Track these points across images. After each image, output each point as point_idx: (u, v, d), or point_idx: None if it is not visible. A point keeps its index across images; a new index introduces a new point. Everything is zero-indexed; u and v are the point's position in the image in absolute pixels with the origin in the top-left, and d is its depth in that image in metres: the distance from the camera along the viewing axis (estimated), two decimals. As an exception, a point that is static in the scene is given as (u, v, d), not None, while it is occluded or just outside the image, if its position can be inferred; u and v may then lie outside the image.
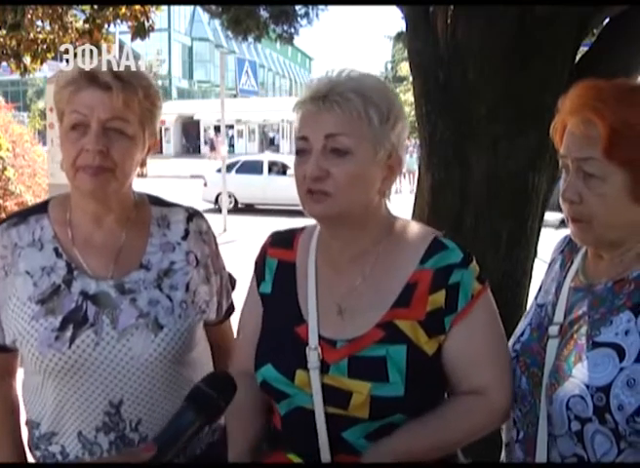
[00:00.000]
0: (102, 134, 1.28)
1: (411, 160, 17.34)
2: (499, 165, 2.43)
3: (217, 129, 31.77)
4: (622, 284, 1.19)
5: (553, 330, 1.25)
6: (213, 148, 32.61)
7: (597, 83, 1.21)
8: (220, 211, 12.88)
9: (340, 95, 1.16)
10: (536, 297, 1.40)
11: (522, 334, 1.34)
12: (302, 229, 1.39)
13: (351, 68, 1.24)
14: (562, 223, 1.40)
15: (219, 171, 15.64)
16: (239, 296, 1.61)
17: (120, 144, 1.31)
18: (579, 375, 1.15)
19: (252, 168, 15.83)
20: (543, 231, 2.66)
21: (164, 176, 21.07)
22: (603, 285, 1.22)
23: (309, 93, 1.21)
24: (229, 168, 15.50)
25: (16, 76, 8.90)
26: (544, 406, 1.20)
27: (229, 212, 14.20)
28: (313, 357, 1.22)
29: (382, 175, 1.22)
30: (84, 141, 1.29)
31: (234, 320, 1.59)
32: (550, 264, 1.41)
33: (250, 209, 15.25)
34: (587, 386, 1.13)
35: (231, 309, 1.59)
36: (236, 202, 15.49)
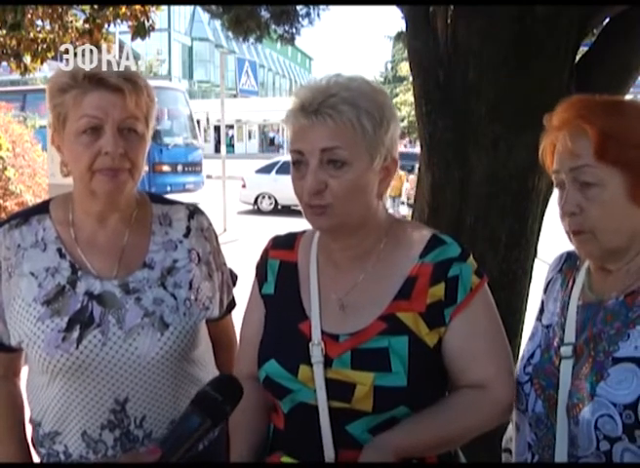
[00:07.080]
0: (118, 135, 1.29)
1: None
2: (499, 165, 2.43)
3: (216, 129, 31.74)
4: (635, 296, 1.17)
5: (566, 350, 1.21)
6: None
7: (582, 97, 1.23)
8: (259, 212, 12.42)
9: (331, 107, 1.16)
10: (539, 319, 1.37)
11: (532, 356, 1.30)
12: (303, 232, 1.41)
13: (337, 73, 1.23)
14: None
15: (258, 171, 15.43)
16: (239, 295, 1.62)
17: (134, 144, 1.32)
18: (603, 394, 1.11)
19: None
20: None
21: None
22: (614, 299, 1.19)
23: (299, 103, 1.20)
24: (269, 168, 15.22)
25: (16, 76, 8.90)
26: (563, 426, 1.16)
27: (269, 213, 13.88)
28: (316, 352, 1.23)
29: (379, 178, 1.24)
30: (100, 144, 1.29)
31: (235, 316, 1.60)
32: (549, 284, 1.39)
33: (287, 210, 14.02)
34: (614, 404, 1.09)
35: (232, 305, 1.60)
36: (276, 203, 14.93)
